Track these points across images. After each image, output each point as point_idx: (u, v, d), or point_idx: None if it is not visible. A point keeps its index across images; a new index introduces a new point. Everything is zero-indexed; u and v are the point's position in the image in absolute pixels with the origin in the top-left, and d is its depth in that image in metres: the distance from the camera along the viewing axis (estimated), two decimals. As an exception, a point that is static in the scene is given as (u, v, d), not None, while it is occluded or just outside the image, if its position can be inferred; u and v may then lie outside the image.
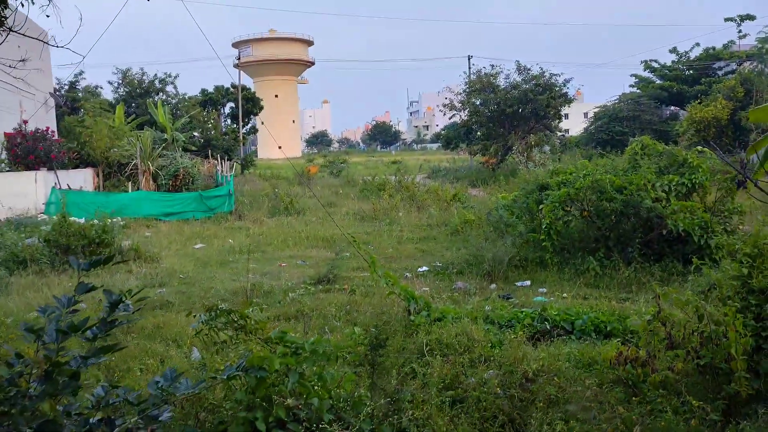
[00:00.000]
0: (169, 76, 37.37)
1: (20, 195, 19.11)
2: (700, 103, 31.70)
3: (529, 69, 32.49)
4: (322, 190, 25.95)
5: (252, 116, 42.90)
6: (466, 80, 34.73)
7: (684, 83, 41.50)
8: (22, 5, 4.68)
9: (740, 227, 10.27)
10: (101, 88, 37.90)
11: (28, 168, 20.73)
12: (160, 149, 24.32)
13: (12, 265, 10.73)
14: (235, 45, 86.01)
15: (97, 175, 24.20)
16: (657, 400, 4.28)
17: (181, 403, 3.76)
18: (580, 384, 4.82)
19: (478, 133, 35.69)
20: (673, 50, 43.36)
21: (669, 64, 43.58)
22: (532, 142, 31.92)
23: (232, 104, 41.34)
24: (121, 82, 36.35)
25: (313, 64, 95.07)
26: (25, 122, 22.07)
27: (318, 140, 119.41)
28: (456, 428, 4.13)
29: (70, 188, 20.39)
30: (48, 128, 22.71)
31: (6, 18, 4.23)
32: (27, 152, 20.95)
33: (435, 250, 12.85)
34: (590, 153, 29.73)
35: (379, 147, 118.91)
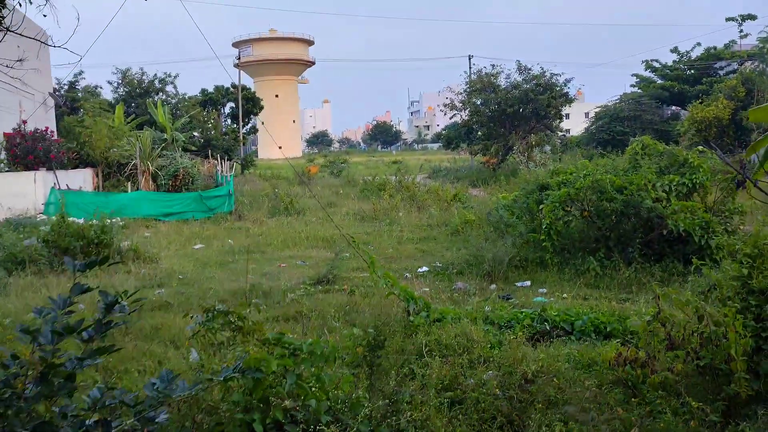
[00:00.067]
0: (169, 75, 37.42)
1: (19, 195, 19.10)
2: (701, 102, 31.66)
3: (529, 69, 32.49)
4: (322, 190, 25.93)
5: (252, 116, 42.91)
6: (467, 80, 34.70)
7: (685, 83, 41.46)
8: (20, 5, 4.67)
9: (741, 227, 10.25)
10: (101, 88, 38.00)
11: (27, 168, 20.72)
12: (159, 149, 24.31)
13: (11, 265, 10.71)
14: (236, 45, 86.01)
15: (97, 176, 24.18)
16: (656, 401, 4.27)
17: (178, 404, 3.75)
18: (579, 385, 4.81)
19: (479, 133, 35.67)
20: (674, 50, 43.35)
21: (670, 63, 43.53)
22: (533, 142, 31.89)
23: (232, 104, 41.35)
24: (120, 82, 36.36)
25: (313, 63, 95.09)
26: (25, 122, 22.06)
27: (318, 140, 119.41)
28: (454, 429, 4.11)
29: (69, 188, 20.37)
30: (47, 128, 22.69)
31: (3, 18, 4.21)
32: (26, 152, 20.93)
33: (435, 251, 12.84)
34: (591, 153, 29.71)
35: (379, 147, 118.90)
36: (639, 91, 44.52)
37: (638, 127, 36.00)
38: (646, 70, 44.57)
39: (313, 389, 3.84)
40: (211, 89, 40.03)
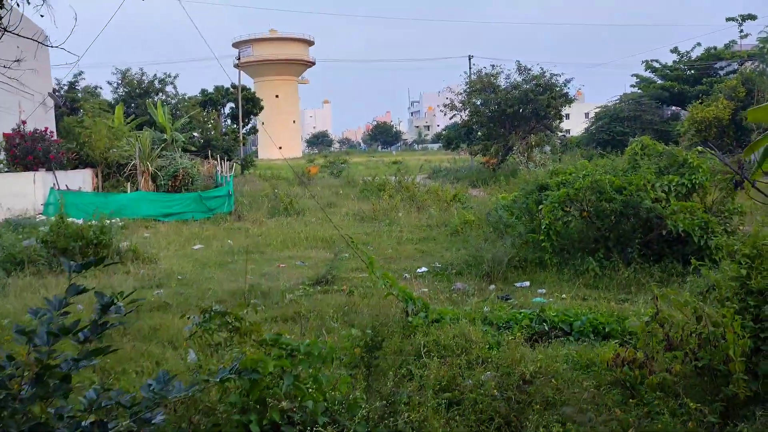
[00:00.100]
0: (169, 76, 37.40)
1: (19, 196, 19.09)
2: (701, 103, 31.65)
3: (529, 69, 32.49)
4: (322, 190, 25.93)
5: (252, 116, 42.91)
6: (467, 80, 34.70)
7: (685, 83, 41.45)
8: (18, 5, 4.66)
9: (741, 228, 10.24)
10: (101, 88, 37.99)
11: (26, 168, 20.72)
12: (159, 150, 24.30)
13: (9, 266, 10.71)
14: (236, 45, 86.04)
15: (96, 176, 24.17)
16: (654, 402, 4.26)
17: (175, 405, 3.74)
18: (577, 386, 4.80)
19: (479, 133, 35.67)
20: (674, 50, 43.35)
21: (670, 64, 43.53)
22: (533, 143, 31.89)
23: (232, 104, 41.35)
24: (120, 82, 36.36)
25: (313, 64, 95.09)
26: (24, 123, 22.06)
27: (319, 140, 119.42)
28: (452, 430, 4.10)
29: (68, 189, 20.37)
30: (47, 129, 22.69)
31: (1, 18, 4.21)
32: (25, 153, 20.92)
33: (434, 251, 12.83)
34: (591, 153, 29.70)
35: (379, 147, 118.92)
36: (639, 91, 44.51)
37: (638, 128, 35.99)
38: (646, 70, 44.59)
39: (311, 390, 3.84)
40: (211, 89, 40.04)
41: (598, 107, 44.32)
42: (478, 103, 33.29)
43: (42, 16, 4.60)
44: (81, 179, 22.98)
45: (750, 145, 3.68)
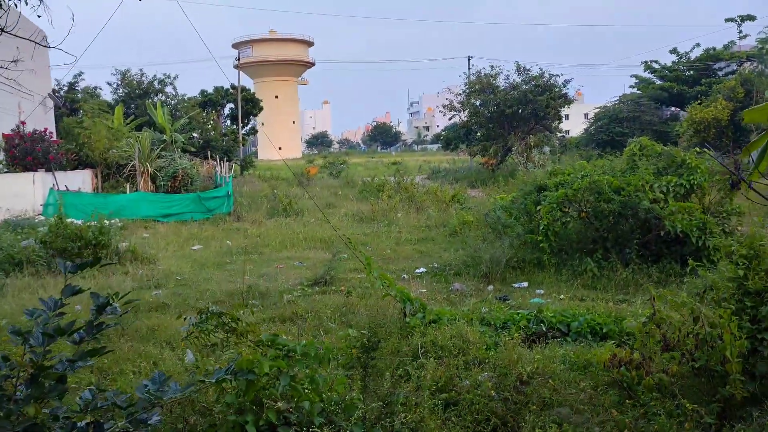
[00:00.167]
0: (169, 77, 37.42)
1: (18, 196, 19.09)
2: (700, 103, 31.66)
3: (528, 70, 32.51)
4: (321, 191, 25.93)
5: (252, 117, 42.92)
6: (466, 81, 34.73)
7: (684, 84, 41.45)
8: (16, 5, 4.66)
9: (738, 228, 10.24)
10: (100, 89, 37.91)
11: (26, 169, 20.72)
12: (158, 150, 24.30)
13: (8, 266, 10.71)
14: (235, 46, 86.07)
15: (96, 177, 24.18)
16: (651, 403, 4.25)
17: (170, 406, 3.74)
18: (574, 386, 4.80)
19: (478, 134, 35.69)
20: (674, 51, 43.33)
21: (669, 64, 43.54)
22: (532, 143, 31.90)
23: (231, 105, 41.37)
24: (120, 83, 36.37)
25: (313, 64, 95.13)
26: (23, 123, 22.06)
27: (318, 141, 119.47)
28: (448, 431, 4.10)
29: (68, 189, 20.37)
30: (46, 129, 22.69)
31: (-2, 18, 4.20)
32: (25, 153, 20.93)
33: (433, 252, 12.83)
34: (590, 154, 29.70)
35: (379, 148, 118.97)
36: (638, 92, 44.52)
37: (637, 128, 35.99)
38: (645, 71, 44.58)
39: (307, 391, 3.83)
40: (210, 90, 40.07)
41: (597, 108, 44.34)
42: (477, 103, 33.31)
43: (39, 16, 4.61)
44: (80, 180, 22.98)
45: (747, 146, 3.68)
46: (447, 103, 35.00)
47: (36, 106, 22.42)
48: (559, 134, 37.60)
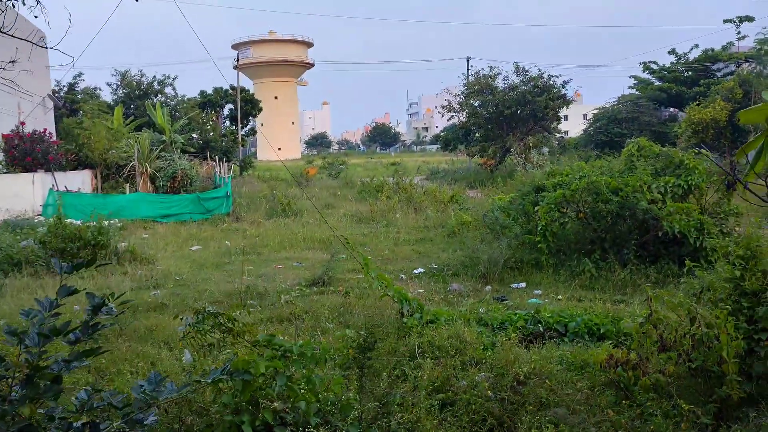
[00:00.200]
0: (168, 77, 37.40)
1: (17, 197, 19.09)
2: (698, 104, 31.69)
3: (527, 70, 32.54)
4: (320, 191, 25.94)
5: (251, 118, 42.92)
6: (465, 82, 34.75)
7: (683, 85, 41.50)
8: (14, 6, 4.66)
9: (736, 229, 10.24)
10: (100, 89, 37.93)
11: (25, 169, 20.72)
12: (158, 151, 24.30)
13: (7, 267, 10.71)
14: (235, 47, 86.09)
15: (96, 177, 24.17)
16: (647, 404, 4.26)
17: (166, 406, 3.74)
18: (571, 387, 4.80)
19: (477, 134, 35.71)
20: (672, 52, 43.40)
21: (668, 65, 43.59)
22: (531, 144, 31.92)
23: (231, 106, 41.38)
24: (119, 83, 36.37)
25: (312, 65, 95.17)
26: (23, 124, 22.06)
27: (318, 142, 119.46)
28: (445, 431, 4.10)
29: (67, 190, 20.37)
30: (45, 130, 22.70)
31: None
32: (24, 154, 20.93)
33: (431, 252, 12.83)
34: (588, 154, 29.71)
35: (378, 148, 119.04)
36: (637, 92, 44.55)
37: (636, 129, 36.02)
38: (644, 71, 44.62)
39: (303, 391, 3.84)
40: (210, 91, 40.07)
41: (596, 109, 44.36)
42: (476, 104, 33.33)
43: (36, 17, 4.61)
44: (80, 180, 22.98)
45: (742, 147, 3.69)
46: (446, 104, 35.02)
47: (35, 107, 22.41)
48: (557, 135, 37.59)
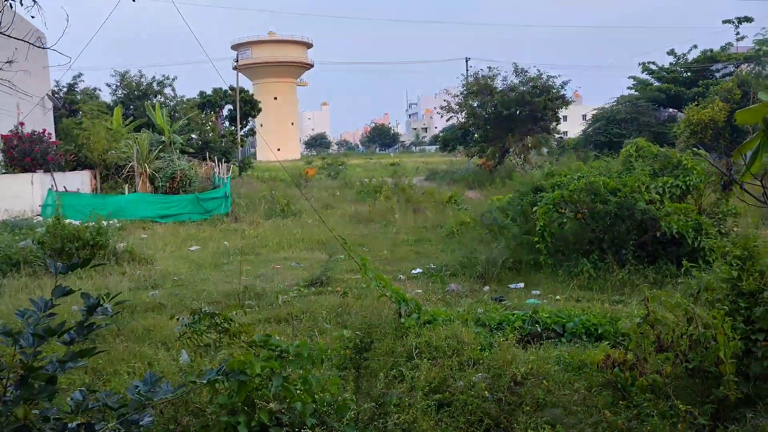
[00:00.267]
0: (168, 78, 37.38)
1: (16, 197, 19.06)
2: (697, 105, 31.71)
3: (526, 71, 32.56)
4: (319, 192, 25.94)
5: (250, 118, 42.93)
6: (464, 82, 34.77)
7: (682, 85, 41.53)
8: (11, 6, 4.66)
9: (734, 229, 10.25)
10: (99, 90, 37.88)
11: (24, 170, 20.70)
12: (157, 151, 24.30)
13: (5, 267, 10.70)
14: (234, 47, 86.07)
15: (95, 177, 24.15)
16: (644, 404, 4.25)
17: (162, 407, 3.73)
18: (568, 387, 4.80)
19: (476, 135, 35.72)
20: (671, 52, 43.45)
21: (667, 66, 43.63)
22: (530, 145, 31.94)
23: (230, 106, 41.38)
24: (119, 84, 36.34)
25: (312, 66, 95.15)
26: (22, 124, 22.04)
27: (317, 142, 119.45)
28: (441, 432, 4.10)
29: (66, 190, 20.35)
30: (44, 130, 22.67)
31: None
32: (23, 154, 20.91)
33: (430, 253, 12.84)
34: (587, 155, 29.73)
35: (377, 149, 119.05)
36: (636, 93, 44.57)
37: (635, 129, 36.02)
38: (642, 72, 44.65)
39: (300, 392, 3.83)
40: (209, 92, 40.07)
41: (595, 109, 44.38)
42: (475, 105, 33.35)
43: (33, 17, 4.61)
44: (79, 181, 22.96)
45: (739, 147, 3.69)
46: (445, 104, 35.04)
47: (33, 107, 22.38)
48: (557, 135, 37.63)
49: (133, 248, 12.48)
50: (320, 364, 4.20)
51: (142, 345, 6.52)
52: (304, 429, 3.64)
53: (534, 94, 31.26)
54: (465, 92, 33.77)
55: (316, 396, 3.97)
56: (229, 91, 40.36)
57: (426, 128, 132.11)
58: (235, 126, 39.86)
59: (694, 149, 11.67)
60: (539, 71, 32.54)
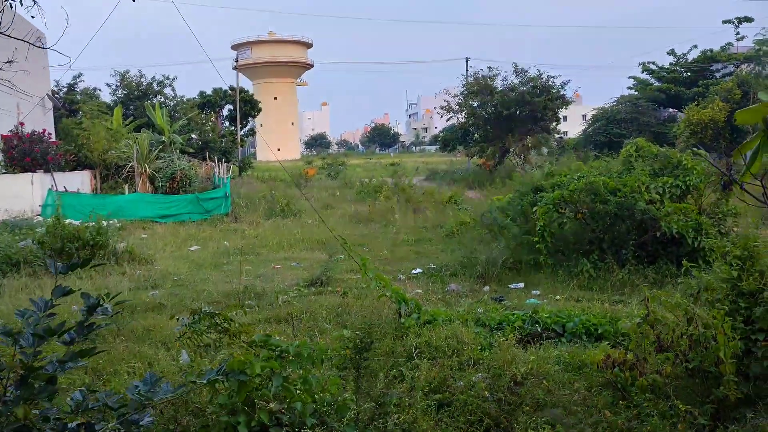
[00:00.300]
0: (168, 78, 37.37)
1: (16, 197, 19.06)
2: (697, 105, 31.71)
3: (526, 71, 32.56)
4: (319, 192, 25.94)
5: (250, 118, 42.93)
6: (464, 82, 34.77)
7: (682, 85, 41.54)
8: (11, 6, 4.66)
9: (735, 229, 10.25)
10: (99, 90, 37.88)
11: (24, 170, 20.70)
12: (157, 151, 24.30)
13: (5, 267, 10.70)
14: (234, 47, 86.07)
15: (95, 177, 24.15)
16: (644, 404, 4.25)
17: (162, 407, 3.73)
18: (568, 387, 4.80)
19: (476, 135, 35.72)
20: (671, 52, 43.46)
21: (667, 66, 43.64)
22: (530, 145, 31.94)
23: (230, 106, 41.38)
24: (119, 84, 36.34)
25: (312, 66, 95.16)
26: (22, 124, 22.04)
27: (317, 142, 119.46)
28: (441, 432, 4.10)
29: (66, 190, 20.35)
30: (44, 130, 22.67)
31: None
32: (23, 154, 20.91)
33: (430, 253, 12.84)
34: (587, 155, 29.73)
35: (377, 149, 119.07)
36: (636, 93, 44.57)
37: (635, 129, 36.02)
38: (642, 72, 44.66)
39: (300, 392, 3.83)
40: (209, 92, 40.07)
41: (595, 109, 44.38)
42: (475, 105, 33.35)
43: (33, 17, 4.61)
44: (79, 181, 22.96)
45: (738, 147, 3.69)
46: (445, 104, 35.04)
47: (33, 107, 22.37)
48: (557, 135, 37.63)
49: (133, 248, 12.48)
50: (320, 364, 4.20)
51: (142, 345, 6.52)
52: (304, 429, 3.64)
53: (534, 94, 31.26)
54: (465, 92, 33.77)
55: (316, 396, 3.97)
56: (229, 91, 40.36)
57: (426, 128, 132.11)
58: (235, 126, 39.87)
59: (694, 149, 11.65)
60: (539, 71, 32.59)
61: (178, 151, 25.86)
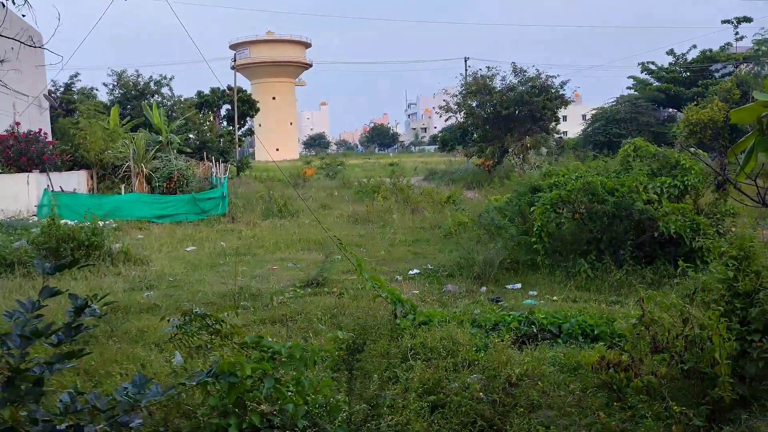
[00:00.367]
0: (165, 77, 37.28)
1: (12, 197, 19.02)
2: (696, 105, 31.70)
3: (525, 71, 32.51)
4: (317, 192, 25.90)
5: (249, 118, 42.87)
6: (463, 82, 34.73)
7: (681, 85, 41.54)
8: (3, 5, 4.62)
9: (732, 229, 10.22)
10: (96, 90, 37.73)
11: (20, 170, 20.63)
12: (154, 151, 24.24)
13: (0, 268, 10.66)
14: (233, 47, 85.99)
15: (91, 178, 24.09)
16: (639, 406, 4.23)
17: (153, 409, 3.70)
18: (563, 389, 4.77)
19: (475, 135, 35.68)
20: (670, 52, 43.47)
21: (666, 66, 43.65)
22: (529, 145, 31.89)
23: (228, 106, 41.31)
24: (116, 84, 36.25)
25: (310, 66, 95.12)
26: (18, 124, 21.97)
27: (316, 142, 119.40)
28: (434, 434, 4.07)
29: (63, 190, 20.30)
30: (41, 130, 22.61)
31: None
32: (19, 154, 20.83)
33: (427, 253, 12.81)
34: (585, 155, 29.72)
35: (376, 149, 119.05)
36: (635, 93, 44.58)
37: (634, 129, 36.01)
38: (642, 72, 44.66)
39: (292, 393, 3.80)
40: (207, 91, 40.00)
41: (594, 109, 44.37)
42: (474, 105, 33.30)
43: (23, 15, 4.57)
44: (76, 181, 22.90)
45: (733, 147, 3.66)
46: (444, 104, 35.00)
47: (27, 106, 22.31)
48: (556, 135, 37.57)
49: (129, 249, 12.43)
50: (313, 365, 4.17)
51: (136, 346, 6.48)
52: (296, 431, 3.61)
53: (533, 94, 31.22)
54: (464, 92, 33.72)
55: (309, 398, 3.94)
56: (227, 91, 40.30)
57: (425, 128, 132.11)
58: (233, 126, 39.80)
59: (690, 149, 11.64)
60: (538, 71, 32.52)
61: (175, 151, 25.79)
